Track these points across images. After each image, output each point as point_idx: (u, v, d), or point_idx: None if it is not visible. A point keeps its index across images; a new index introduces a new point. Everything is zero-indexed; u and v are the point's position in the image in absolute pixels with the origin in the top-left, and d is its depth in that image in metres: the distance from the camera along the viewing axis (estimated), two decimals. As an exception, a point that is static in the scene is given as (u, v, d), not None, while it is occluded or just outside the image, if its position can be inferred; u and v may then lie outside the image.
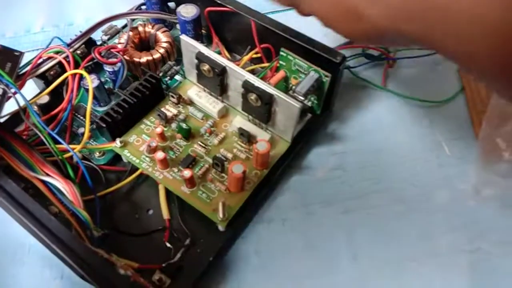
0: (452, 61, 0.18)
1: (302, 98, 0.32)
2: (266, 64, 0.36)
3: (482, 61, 0.15)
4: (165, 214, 0.32)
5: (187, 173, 0.30)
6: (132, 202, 0.33)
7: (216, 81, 0.33)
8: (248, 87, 0.32)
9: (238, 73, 0.32)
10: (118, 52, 0.35)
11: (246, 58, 0.37)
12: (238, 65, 0.33)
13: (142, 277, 0.28)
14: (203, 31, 0.40)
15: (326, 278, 0.31)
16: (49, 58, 0.34)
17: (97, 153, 0.34)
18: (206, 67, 0.33)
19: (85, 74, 0.33)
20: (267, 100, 0.31)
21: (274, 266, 0.31)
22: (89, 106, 0.33)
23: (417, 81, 0.41)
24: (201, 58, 0.33)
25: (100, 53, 0.35)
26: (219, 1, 0.36)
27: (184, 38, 0.33)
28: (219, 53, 0.39)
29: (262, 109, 0.32)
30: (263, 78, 0.35)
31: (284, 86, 0.36)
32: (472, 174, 0.35)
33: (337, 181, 0.35)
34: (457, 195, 0.34)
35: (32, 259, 0.32)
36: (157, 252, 0.31)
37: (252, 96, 0.32)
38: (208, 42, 0.40)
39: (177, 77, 0.38)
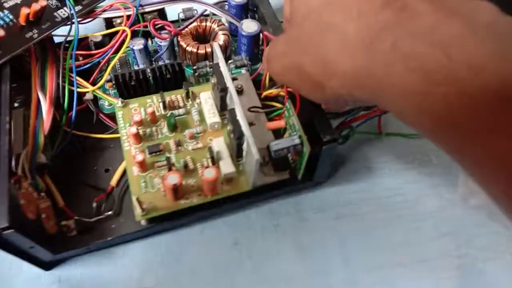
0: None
1: (272, 155, 0.30)
2: (279, 105, 0.35)
3: (409, 118, 0.21)
4: (113, 181, 0.35)
5: (139, 156, 0.32)
6: (99, 156, 0.36)
7: (219, 97, 0.34)
8: (231, 116, 0.31)
9: (233, 99, 0.32)
10: (170, 31, 0.38)
11: (271, 90, 0.36)
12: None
13: (58, 218, 0.31)
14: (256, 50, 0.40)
15: (318, 281, 0.32)
16: (118, 8, 0.39)
17: (106, 103, 0.38)
18: (214, 80, 0.33)
19: (129, 34, 0.37)
20: (238, 136, 0.31)
21: (267, 270, 0.33)
22: (115, 60, 0.36)
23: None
24: (214, 69, 0.33)
25: (154, 25, 0.38)
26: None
27: (214, 45, 0.34)
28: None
29: (234, 142, 0.32)
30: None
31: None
32: (460, 183, 0.37)
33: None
34: (444, 203, 0.36)
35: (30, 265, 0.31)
36: (86, 206, 0.33)
37: (229, 127, 0.31)
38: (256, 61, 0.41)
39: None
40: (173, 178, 0.30)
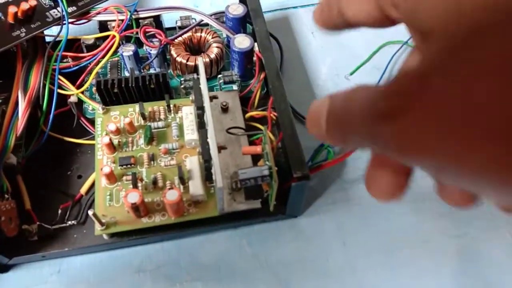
0: None
1: (238, 184, 0.29)
2: (259, 132, 0.34)
3: None
4: (83, 189, 0.34)
5: (106, 169, 0.31)
6: (75, 161, 0.36)
7: (196, 113, 0.32)
8: (202, 138, 0.30)
9: (208, 119, 0.30)
10: (160, 40, 0.37)
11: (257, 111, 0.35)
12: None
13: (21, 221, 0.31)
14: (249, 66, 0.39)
15: (317, 263, 0.32)
16: (112, 12, 0.38)
17: (90, 107, 0.37)
18: (192, 97, 0.32)
19: (117, 39, 0.36)
20: (205, 159, 0.29)
21: (266, 255, 0.33)
22: (98, 67, 0.35)
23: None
24: (194, 85, 0.32)
25: (145, 32, 0.37)
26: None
27: (199, 59, 0.33)
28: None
29: (203, 164, 0.30)
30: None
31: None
32: None
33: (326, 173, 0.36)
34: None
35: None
36: (52, 211, 0.33)
37: (198, 149, 0.30)
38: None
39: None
40: (133, 197, 0.29)
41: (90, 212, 0.29)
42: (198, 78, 0.32)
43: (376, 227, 0.34)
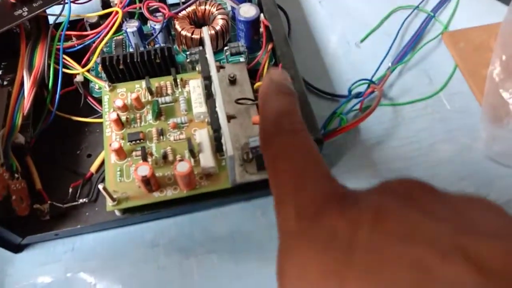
0: None
1: (250, 154, 0.28)
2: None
3: None
4: (94, 167, 0.33)
5: (114, 144, 0.30)
6: (84, 140, 0.35)
7: (203, 85, 0.32)
8: (210, 108, 0.29)
9: (216, 88, 0.30)
10: (164, 14, 0.36)
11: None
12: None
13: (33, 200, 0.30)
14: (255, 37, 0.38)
15: None
16: (115, -11, 0.37)
17: (97, 86, 0.37)
18: (198, 67, 0.31)
19: (120, 15, 0.35)
20: (215, 129, 0.28)
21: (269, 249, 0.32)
22: (102, 44, 0.35)
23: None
24: (200, 56, 0.31)
25: (148, 7, 0.36)
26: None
27: (204, 29, 0.32)
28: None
29: (213, 135, 0.30)
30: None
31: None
32: (481, 129, 0.35)
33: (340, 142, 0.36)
34: (460, 147, 0.35)
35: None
36: (62, 190, 0.32)
37: (207, 119, 0.29)
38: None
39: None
40: (143, 170, 0.28)
41: (100, 187, 0.28)
42: (204, 49, 0.32)
43: None
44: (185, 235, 0.32)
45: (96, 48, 0.36)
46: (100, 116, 0.35)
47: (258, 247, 0.31)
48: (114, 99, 0.33)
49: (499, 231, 0.13)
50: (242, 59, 0.37)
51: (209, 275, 0.30)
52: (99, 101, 0.36)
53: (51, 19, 0.37)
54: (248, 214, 0.32)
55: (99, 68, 0.37)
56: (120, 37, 0.39)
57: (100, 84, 0.36)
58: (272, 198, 0.17)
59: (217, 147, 0.30)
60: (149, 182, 0.29)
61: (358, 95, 0.36)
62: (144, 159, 0.31)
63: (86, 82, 0.37)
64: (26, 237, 0.30)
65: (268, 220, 0.32)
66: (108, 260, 0.31)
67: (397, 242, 0.12)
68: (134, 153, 0.32)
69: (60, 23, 0.35)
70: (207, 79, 0.31)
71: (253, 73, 0.36)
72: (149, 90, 0.34)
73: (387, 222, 0.12)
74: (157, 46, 0.35)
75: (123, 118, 0.33)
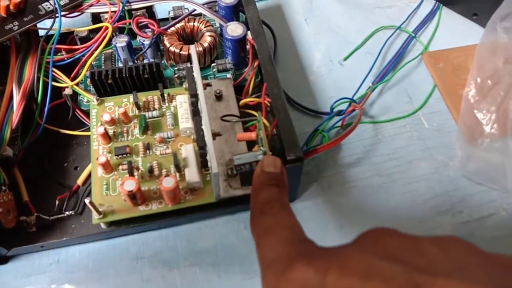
0: None
1: (234, 171, 0.29)
2: (253, 118, 0.34)
3: None
4: (80, 180, 0.34)
5: (102, 158, 0.31)
6: (71, 153, 0.36)
7: (190, 101, 0.33)
8: (196, 125, 0.30)
9: (202, 106, 0.30)
10: (153, 30, 0.37)
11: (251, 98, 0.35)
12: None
13: (18, 212, 0.31)
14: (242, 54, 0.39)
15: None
16: (105, 4, 0.38)
17: (85, 99, 0.38)
18: (185, 84, 0.32)
19: (110, 30, 0.36)
20: (200, 146, 0.29)
21: None
22: (92, 58, 0.36)
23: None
24: (187, 73, 0.32)
25: (138, 23, 0.37)
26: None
27: (191, 47, 0.33)
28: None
29: (198, 151, 0.30)
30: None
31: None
32: (457, 148, 0.36)
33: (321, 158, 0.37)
34: (437, 165, 0.36)
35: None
36: (49, 202, 0.33)
37: (192, 136, 0.30)
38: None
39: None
40: (129, 185, 0.29)
41: (87, 201, 0.29)
42: (191, 66, 0.32)
43: (372, 209, 0.34)
44: (169, 247, 0.32)
45: (85, 62, 0.37)
46: (88, 129, 0.36)
47: (240, 260, 0.32)
48: (101, 113, 0.34)
49: (461, 270, 0.15)
50: (228, 75, 0.38)
51: (193, 287, 0.31)
52: (87, 114, 0.37)
53: (41, 33, 0.37)
54: (231, 227, 0.33)
55: (88, 81, 0.38)
56: (110, 51, 0.40)
57: (88, 98, 0.37)
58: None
59: (203, 163, 0.31)
60: (134, 197, 0.30)
61: (340, 112, 0.37)
62: (131, 173, 0.31)
63: (75, 95, 0.37)
64: (12, 248, 0.31)
65: (250, 233, 0.33)
66: (93, 272, 0.31)
67: (359, 282, 0.14)
68: (120, 167, 0.32)
69: (51, 36, 0.36)
70: (194, 96, 0.31)
71: (240, 89, 0.38)
72: (137, 105, 0.35)
73: (351, 266, 0.15)
74: (145, 61, 0.36)
75: (110, 132, 0.34)
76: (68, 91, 0.36)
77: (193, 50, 0.33)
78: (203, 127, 0.30)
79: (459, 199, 0.34)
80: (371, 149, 0.37)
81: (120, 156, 0.33)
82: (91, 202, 0.29)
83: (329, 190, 0.35)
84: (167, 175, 0.30)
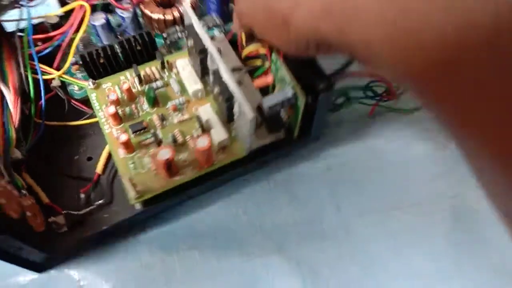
0: (359, 60, 0.21)
1: (265, 112, 0.28)
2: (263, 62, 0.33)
3: (378, 57, 0.18)
4: (99, 168, 0.32)
5: (123, 136, 0.29)
6: (79, 144, 0.34)
7: (198, 61, 0.31)
8: (216, 78, 0.29)
9: (214, 59, 0.29)
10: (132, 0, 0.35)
11: (251, 48, 0.34)
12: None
13: (44, 214, 0.28)
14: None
15: (311, 227, 0.33)
16: (72, -17, 0.35)
17: (76, 87, 0.35)
18: (190, 42, 0.31)
19: (87, 8, 0.33)
20: (227, 98, 0.28)
21: (261, 221, 0.33)
22: (77, 38, 0.33)
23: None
24: (189, 32, 0.31)
25: (114, -5, 0.35)
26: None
27: (185, 5, 0.32)
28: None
29: (223, 105, 0.29)
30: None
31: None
32: None
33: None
34: (435, 146, 0.36)
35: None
36: (72, 198, 0.31)
37: (216, 89, 0.29)
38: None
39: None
40: (165, 153, 0.28)
41: (125, 180, 0.27)
42: (191, 24, 0.31)
43: (369, 190, 0.34)
44: (168, 232, 0.32)
45: (66, 49, 0.34)
46: (90, 117, 0.34)
47: (239, 243, 0.32)
48: (106, 94, 0.32)
49: None
50: (216, 33, 0.37)
51: (192, 271, 0.31)
52: (83, 102, 0.34)
53: (9, 26, 0.34)
54: (230, 212, 0.33)
55: (73, 68, 0.35)
56: (84, 35, 0.37)
57: (80, 85, 0.34)
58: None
59: (228, 117, 0.30)
60: (171, 166, 0.29)
61: (374, 95, 0.35)
62: (159, 144, 0.30)
63: (63, 85, 0.35)
64: (51, 252, 0.29)
65: (248, 217, 0.33)
66: (92, 256, 0.31)
67: None
68: (142, 143, 0.31)
69: (21, 29, 0.33)
70: (203, 52, 0.30)
71: (232, 45, 0.36)
72: (139, 78, 0.33)
73: None
74: (134, 34, 0.34)
75: (119, 112, 0.32)
76: (56, 83, 0.34)
77: (187, 6, 0.31)
78: (223, 79, 0.29)
79: (458, 179, 0.34)
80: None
81: (138, 132, 0.31)
82: (130, 180, 0.27)
83: (327, 172, 0.35)
84: (198, 136, 0.29)
